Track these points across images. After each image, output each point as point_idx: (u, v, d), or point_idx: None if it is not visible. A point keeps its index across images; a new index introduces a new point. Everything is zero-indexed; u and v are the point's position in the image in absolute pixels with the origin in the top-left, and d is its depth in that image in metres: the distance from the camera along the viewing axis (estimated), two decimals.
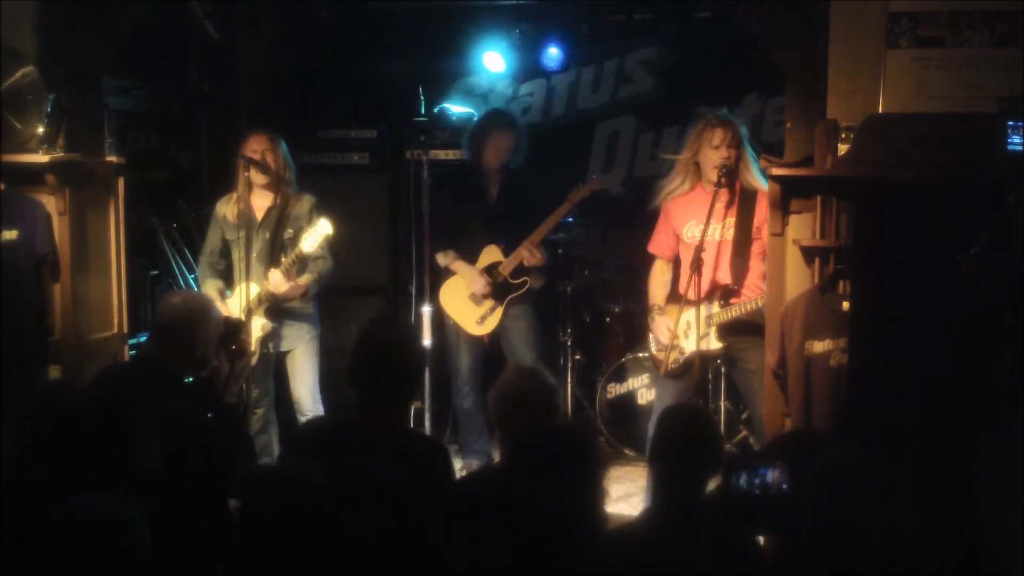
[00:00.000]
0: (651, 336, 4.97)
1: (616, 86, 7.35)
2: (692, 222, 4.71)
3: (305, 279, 5.13)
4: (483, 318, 5.63)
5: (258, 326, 5.11)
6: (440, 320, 5.73)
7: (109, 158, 5.27)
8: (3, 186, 4.72)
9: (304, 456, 3.04)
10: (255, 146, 5.16)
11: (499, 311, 5.61)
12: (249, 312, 5.03)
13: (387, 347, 3.32)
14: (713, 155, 4.63)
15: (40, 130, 4.85)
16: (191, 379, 3.92)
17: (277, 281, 5.00)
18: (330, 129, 6.76)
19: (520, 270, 5.59)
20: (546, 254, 5.67)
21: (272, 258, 5.14)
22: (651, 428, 4.54)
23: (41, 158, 4.85)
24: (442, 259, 5.66)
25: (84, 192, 5.05)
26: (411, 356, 3.37)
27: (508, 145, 5.60)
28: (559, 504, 2.56)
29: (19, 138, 4.84)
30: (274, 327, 5.19)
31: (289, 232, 5.16)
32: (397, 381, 3.31)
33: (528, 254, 5.53)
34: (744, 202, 4.66)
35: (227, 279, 5.28)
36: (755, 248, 4.64)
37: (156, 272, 6.25)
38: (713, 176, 4.60)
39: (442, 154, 6.47)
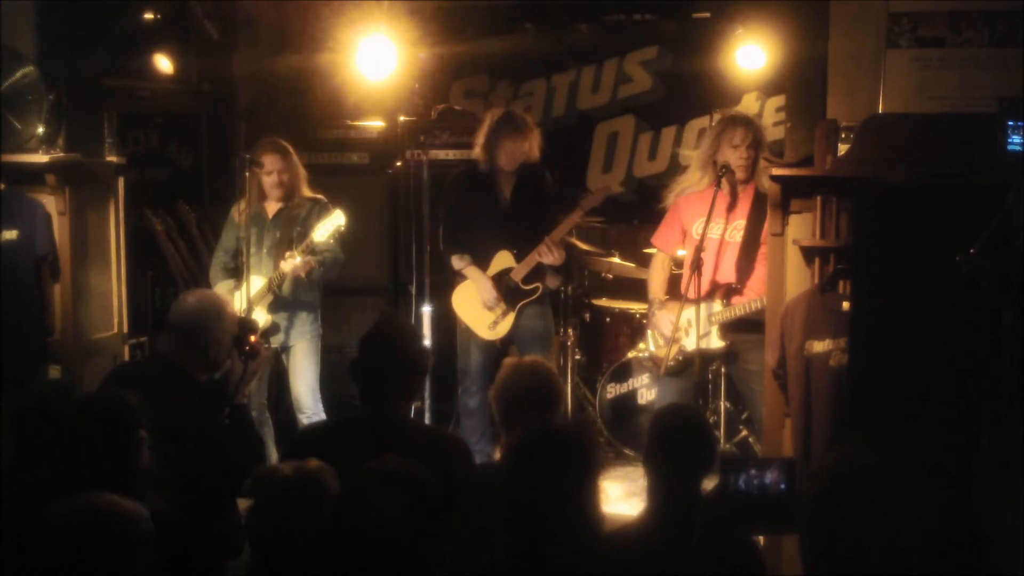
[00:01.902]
0: (650, 333, 4.96)
1: (616, 86, 7.35)
2: (702, 220, 4.71)
3: (311, 257, 5.14)
4: (495, 323, 5.62)
5: (259, 320, 5.11)
6: (446, 320, 5.73)
7: (109, 158, 5.27)
8: (3, 186, 4.72)
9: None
10: (268, 166, 5.19)
11: (511, 316, 5.60)
12: (250, 306, 5.03)
13: (391, 345, 3.32)
14: (732, 154, 4.63)
15: (40, 130, 4.85)
16: (204, 379, 3.91)
17: (290, 264, 5.04)
18: (330, 129, 6.76)
19: (532, 276, 5.58)
20: (564, 253, 5.65)
21: (281, 254, 5.16)
22: None
23: (41, 158, 4.85)
24: (457, 262, 5.63)
25: (84, 192, 5.06)
26: (414, 353, 3.36)
27: (522, 151, 5.58)
28: (556, 504, 2.55)
29: (19, 138, 4.85)
30: (274, 322, 5.19)
31: (298, 230, 5.19)
32: (402, 378, 3.29)
33: (547, 250, 5.50)
34: (757, 205, 4.65)
35: (239, 278, 5.29)
36: (763, 251, 4.63)
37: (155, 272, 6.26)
38: (738, 171, 4.61)
39: (442, 154, 6.47)
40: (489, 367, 5.71)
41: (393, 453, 2.56)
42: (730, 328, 4.66)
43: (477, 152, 5.68)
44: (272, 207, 5.30)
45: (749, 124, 4.67)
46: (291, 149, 5.30)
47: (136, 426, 3.02)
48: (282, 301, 5.19)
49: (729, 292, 4.66)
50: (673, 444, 2.91)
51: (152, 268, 6.28)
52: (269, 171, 5.18)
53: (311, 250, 5.09)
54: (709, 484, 3.00)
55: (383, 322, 3.41)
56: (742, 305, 4.61)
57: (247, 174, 5.13)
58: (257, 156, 5.19)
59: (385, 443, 2.98)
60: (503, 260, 5.60)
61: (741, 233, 4.69)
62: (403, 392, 3.31)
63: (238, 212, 5.27)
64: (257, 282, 5.13)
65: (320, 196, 5.33)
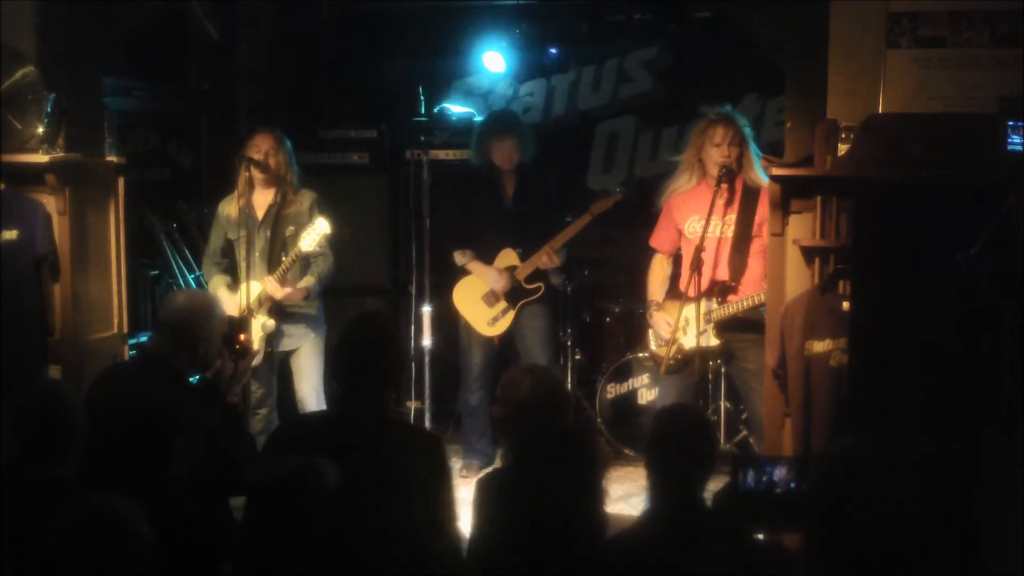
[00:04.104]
0: (650, 332, 4.97)
1: (616, 86, 7.35)
2: (694, 217, 4.73)
3: (306, 282, 5.14)
4: (494, 320, 5.63)
5: (259, 325, 5.11)
6: (443, 319, 5.73)
7: (109, 158, 5.26)
8: (3, 186, 4.72)
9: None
10: (260, 144, 5.16)
11: (511, 314, 5.61)
12: (250, 312, 5.03)
13: (366, 340, 3.29)
14: (715, 152, 4.65)
15: (40, 130, 4.84)
16: (195, 378, 3.91)
17: (274, 287, 5.02)
18: (330, 129, 6.76)
19: (535, 275, 5.58)
20: (564, 257, 5.67)
21: (273, 256, 5.14)
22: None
23: (41, 158, 4.84)
24: (460, 258, 5.65)
25: (84, 192, 5.05)
26: (389, 349, 3.31)
27: (512, 149, 5.59)
28: (560, 506, 2.55)
29: (19, 138, 4.84)
30: (277, 326, 5.19)
31: (290, 229, 5.16)
32: (376, 374, 3.25)
33: (548, 259, 5.52)
34: (746, 199, 4.68)
35: (231, 276, 5.28)
36: (755, 245, 4.65)
37: (156, 272, 6.26)
38: (715, 173, 4.62)
39: (442, 154, 6.47)
40: (491, 365, 5.72)
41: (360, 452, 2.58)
42: (725, 327, 4.67)
43: (472, 152, 5.72)
44: (261, 203, 5.24)
45: (730, 121, 4.68)
46: (286, 140, 5.27)
47: (176, 433, 3.03)
48: (282, 305, 5.18)
49: (725, 290, 4.67)
50: (675, 444, 2.90)
51: (152, 268, 6.28)
52: (259, 148, 5.16)
53: (303, 262, 5.08)
54: (714, 486, 3.00)
55: (361, 316, 3.39)
56: (737, 302, 4.61)
57: (247, 173, 5.13)
58: (252, 139, 5.18)
59: (354, 442, 3.01)
60: (507, 258, 5.61)
61: (733, 228, 4.71)
62: (378, 388, 3.26)
63: (230, 208, 5.24)
64: (255, 287, 5.11)
65: (309, 191, 5.30)
